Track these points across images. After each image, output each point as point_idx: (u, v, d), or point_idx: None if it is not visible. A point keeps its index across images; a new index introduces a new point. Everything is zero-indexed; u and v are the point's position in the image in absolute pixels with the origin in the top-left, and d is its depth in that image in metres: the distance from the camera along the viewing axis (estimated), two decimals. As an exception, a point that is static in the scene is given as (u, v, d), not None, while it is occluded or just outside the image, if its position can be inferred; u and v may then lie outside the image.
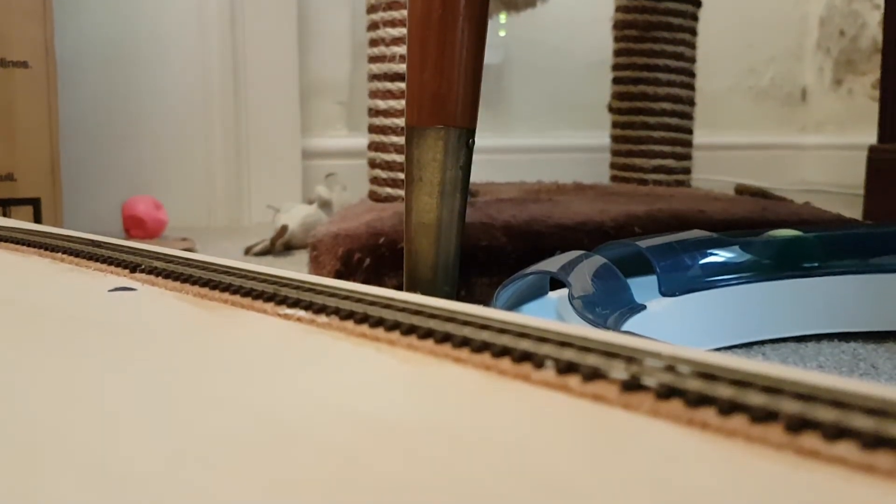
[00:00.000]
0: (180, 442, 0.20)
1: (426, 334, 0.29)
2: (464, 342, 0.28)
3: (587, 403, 0.23)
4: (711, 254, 0.58)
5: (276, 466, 0.19)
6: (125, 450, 0.20)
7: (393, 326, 0.31)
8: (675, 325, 0.53)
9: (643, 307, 0.51)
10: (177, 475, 0.18)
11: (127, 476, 0.18)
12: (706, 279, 0.56)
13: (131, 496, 0.17)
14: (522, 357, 0.26)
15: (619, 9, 1.09)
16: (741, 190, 1.07)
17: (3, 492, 0.17)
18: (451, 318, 0.30)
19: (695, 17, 1.08)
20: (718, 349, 0.56)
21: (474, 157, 0.51)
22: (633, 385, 0.23)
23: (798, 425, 0.19)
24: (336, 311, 0.34)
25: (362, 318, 0.32)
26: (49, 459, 0.19)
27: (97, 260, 0.47)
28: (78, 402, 0.24)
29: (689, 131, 1.10)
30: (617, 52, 1.09)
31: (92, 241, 0.50)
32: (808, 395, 0.20)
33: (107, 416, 0.23)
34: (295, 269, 0.84)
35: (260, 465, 0.19)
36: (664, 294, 0.54)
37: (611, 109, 1.12)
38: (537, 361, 0.26)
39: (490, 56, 0.53)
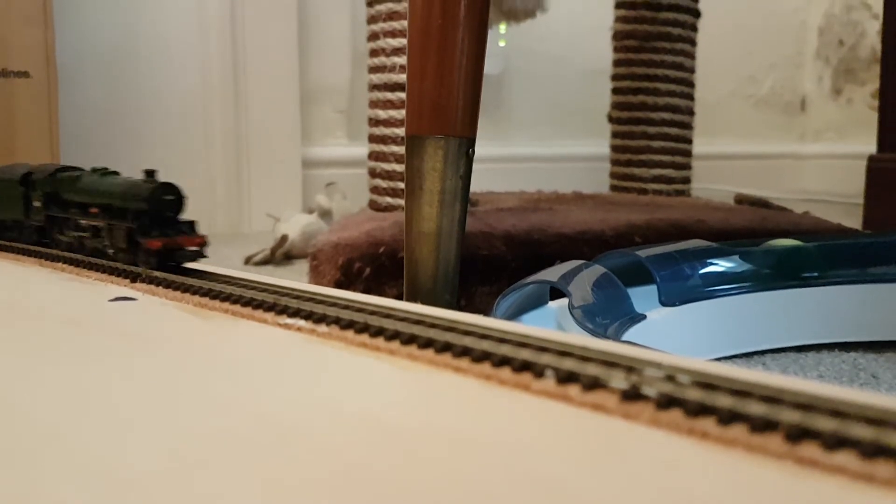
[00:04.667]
0: (180, 448, 0.20)
1: (426, 344, 0.29)
2: (464, 352, 0.28)
3: (587, 413, 0.23)
4: (711, 263, 0.58)
5: (275, 473, 0.19)
6: (126, 453, 0.20)
7: (393, 336, 0.31)
8: (674, 335, 0.53)
9: (643, 317, 0.51)
10: (177, 480, 0.18)
11: (128, 478, 0.18)
12: (706, 289, 0.56)
13: (132, 498, 0.17)
14: (523, 367, 0.26)
15: (618, 19, 1.09)
16: (741, 199, 1.07)
17: (4, 492, 0.17)
18: (451, 327, 0.31)
19: (694, 28, 1.08)
20: (718, 359, 0.56)
21: (474, 166, 0.52)
22: (633, 394, 0.23)
23: (798, 435, 0.19)
24: (336, 321, 0.34)
25: (362, 328, 0.32)
26: (51, 462, 0.19)
27: (97, 270, 0.47)
28: (80, 408, 0.24)
29: (689, 141, 1.10)
30: (616, 62, 1.10)
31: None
32: (807, 404, 0.21)
33: (108, 423, 0.23)
34: (295, 278, 0.84)
35: (260, 471, 0.19)
36: (664, 303, 0.54)
37: (610, 119, 1.12)
38: (537, 371, 0.26)
39: (490, 66, 0.53)
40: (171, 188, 0.44)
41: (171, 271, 0.42)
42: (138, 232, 0.43)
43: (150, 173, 0.45)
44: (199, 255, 0.43)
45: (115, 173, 0.49)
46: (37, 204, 0.52)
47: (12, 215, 0.55)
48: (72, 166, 0.52)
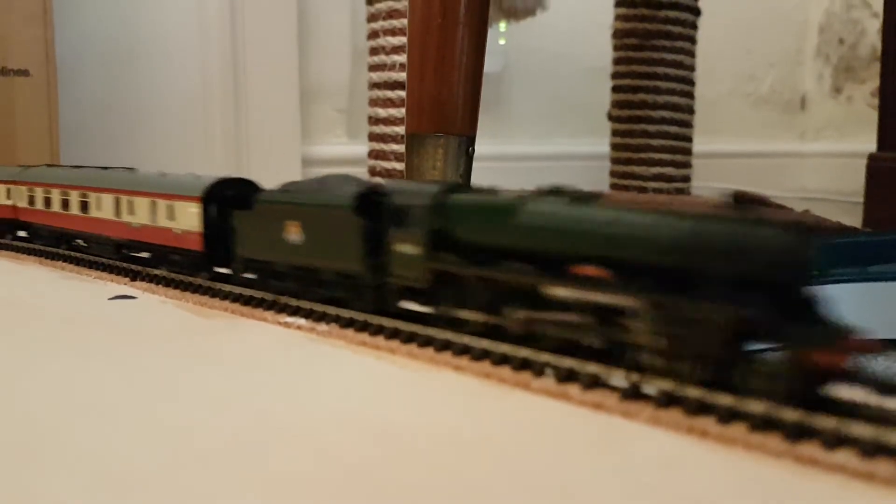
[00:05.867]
0: (179, 447, 0.20)
1: (426, 342, 0.29)
2: (464, 350, 0.28)
3: (587, 411, 0.23)
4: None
5: (275, 472, 0.19)
6: (125, 453, 0.20)
7: (393, 334, 0.31)
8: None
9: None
10: (176, 478, 0.18)
11: (126, 476, 0.18)
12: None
13: (131, 496, 0.17)
14: (522, 365, 0.26)
15: (618, 17, 1.09)
16: (740, 197, 1.07)
17: (4, 489, 0.17)
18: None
19: (694, 26, 1.08)
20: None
21: (474, 164, 0.52)
22: (632, 393, 0.23)
23: (798, 433, 0.19)
24: (336, 320, 0.34)
25: (363, 327, 0.32)
26: (49, 460, 0.19)
27: (97, 268, 0.47)
28: (79, 408, 0.24)
29: (689, 139, 1.10)
30: (616, 61, 1.10)
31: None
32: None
33: (108, 422, 0.23)
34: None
35: (259, 470, 0.19)
36: (664, 302, 0.54)
37: (610, 117, 1.12)
38: (537, 369, 0.26)
39: (490, 64, 0.53)
40: (807, 235, 0.22)
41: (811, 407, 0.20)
42: (767, 330, 0.22)
43: (738, 199, 0.23)
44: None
45: (587, 196, 0.28)
46: (406, 250, 0.31)
47: (337, 263, 0.34)
48: (464, 185, 0.29)
